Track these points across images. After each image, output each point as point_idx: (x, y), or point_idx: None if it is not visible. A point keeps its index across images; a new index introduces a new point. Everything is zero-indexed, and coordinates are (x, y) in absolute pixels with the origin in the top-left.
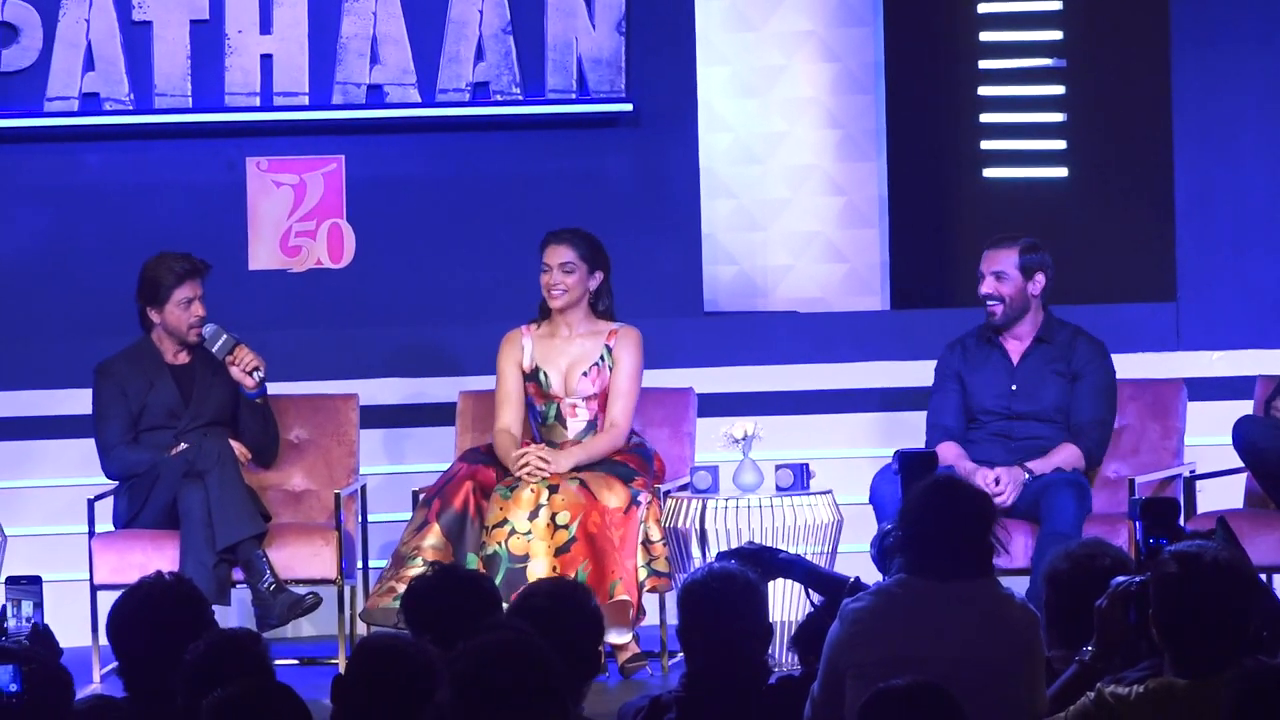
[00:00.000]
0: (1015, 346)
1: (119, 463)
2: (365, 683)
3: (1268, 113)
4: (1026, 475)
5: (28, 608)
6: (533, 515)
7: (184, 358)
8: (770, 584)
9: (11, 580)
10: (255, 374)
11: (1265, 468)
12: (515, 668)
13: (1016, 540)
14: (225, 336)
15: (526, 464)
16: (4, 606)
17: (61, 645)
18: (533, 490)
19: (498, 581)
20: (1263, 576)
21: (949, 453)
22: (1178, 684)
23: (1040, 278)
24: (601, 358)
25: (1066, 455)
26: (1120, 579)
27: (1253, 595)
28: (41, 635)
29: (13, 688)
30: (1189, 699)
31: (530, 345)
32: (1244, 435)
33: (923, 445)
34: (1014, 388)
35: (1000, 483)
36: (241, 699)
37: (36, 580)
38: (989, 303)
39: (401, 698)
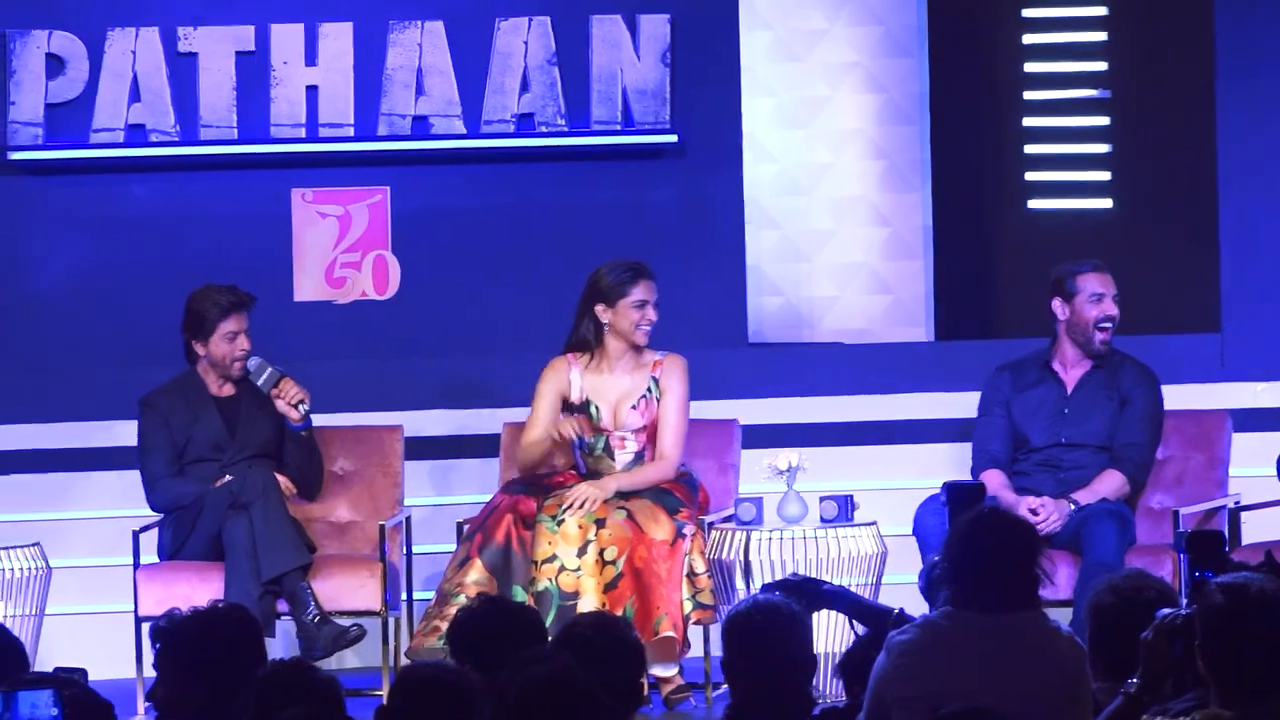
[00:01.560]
0: (1073, 375)
1: (164, 495)
2: (407, 713)
3: None
4: (1072, 507)
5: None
6: (581, 551)
7: (229, 390)
8: (814, 615)
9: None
10: (300, 407)
11: None
12: (562, 700)
13: (1059, 571)
14: (270, 370)
15: (575, 502)
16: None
17: (101, 678)
18: (580, 525)
19: (550, 618)
20: None
21: (993, 480)
22: (1224, 715)
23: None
24: (649, 389)
25: (1110, 483)
26: (1166, 611)
27: None
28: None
29: (53, 712)
30: None
31: (579, 378)
32: None
33: (969, 473)
34: (1066, 411)
35: (1040, 513)
36: None
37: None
38: (1109, 326)
39: None
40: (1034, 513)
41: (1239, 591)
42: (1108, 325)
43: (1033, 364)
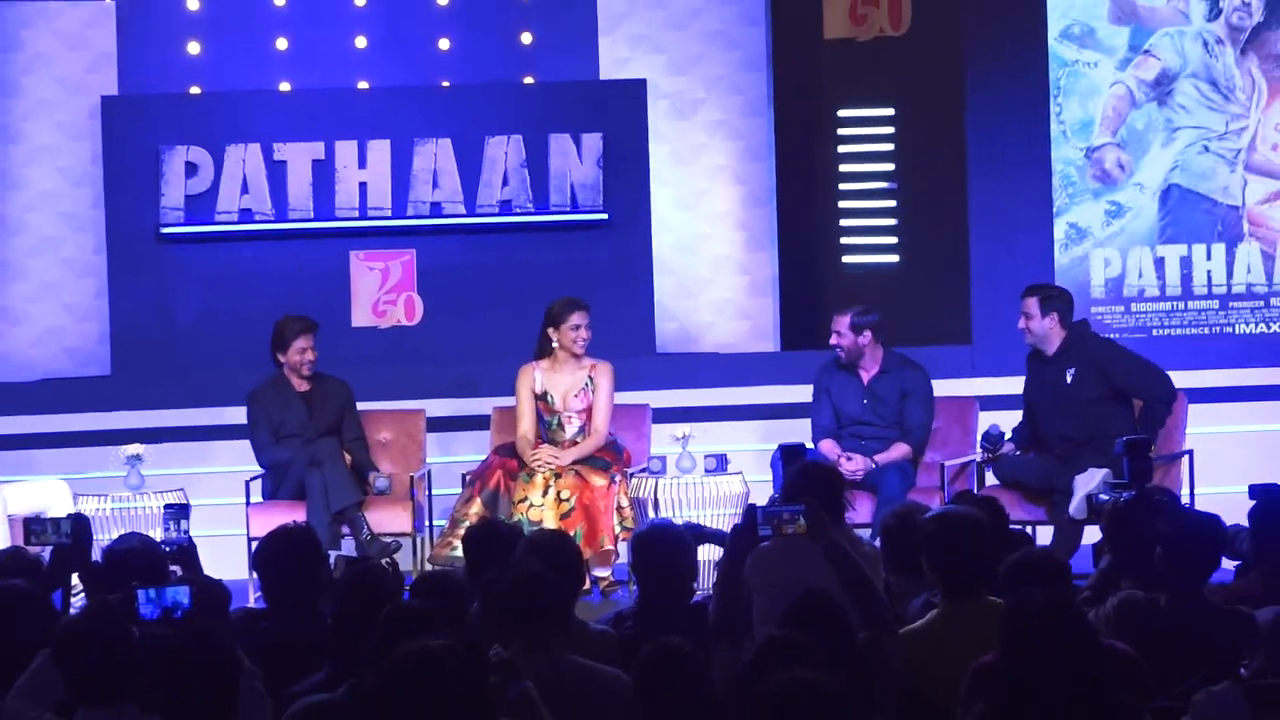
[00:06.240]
0: (865, 375)
1: (268, 458)
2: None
3: (1033, 218)
4: (873, 464)
5: (184, 524)
6: (544, 494)
7: (305, 386)
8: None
9: (169, 506)
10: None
11: (1018, 486)
12: (532, 590)
13: (862, 504)
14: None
15: (539, 460)
16: (165, 523)
17: (224, 578)
18: (544, 477)
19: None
20: (1023, 528)
21: (826, 445)
22: (948, 608)
23: (867, 333)
24: (586, 383)
25: (899, 451)
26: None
27: (990, 542)
28: (188, 548)
29: (185, 601)
30: (958, 618)
31: (540, 376)
32: (999, 472)
33: (798, 440)
34: (865, 402)
35: (851, 463)
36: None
37: (186, 507)
38: (837, 350)
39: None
40: (849, 459)
41: (945, 517)
42: (837, 350)
43: (840, 365)
